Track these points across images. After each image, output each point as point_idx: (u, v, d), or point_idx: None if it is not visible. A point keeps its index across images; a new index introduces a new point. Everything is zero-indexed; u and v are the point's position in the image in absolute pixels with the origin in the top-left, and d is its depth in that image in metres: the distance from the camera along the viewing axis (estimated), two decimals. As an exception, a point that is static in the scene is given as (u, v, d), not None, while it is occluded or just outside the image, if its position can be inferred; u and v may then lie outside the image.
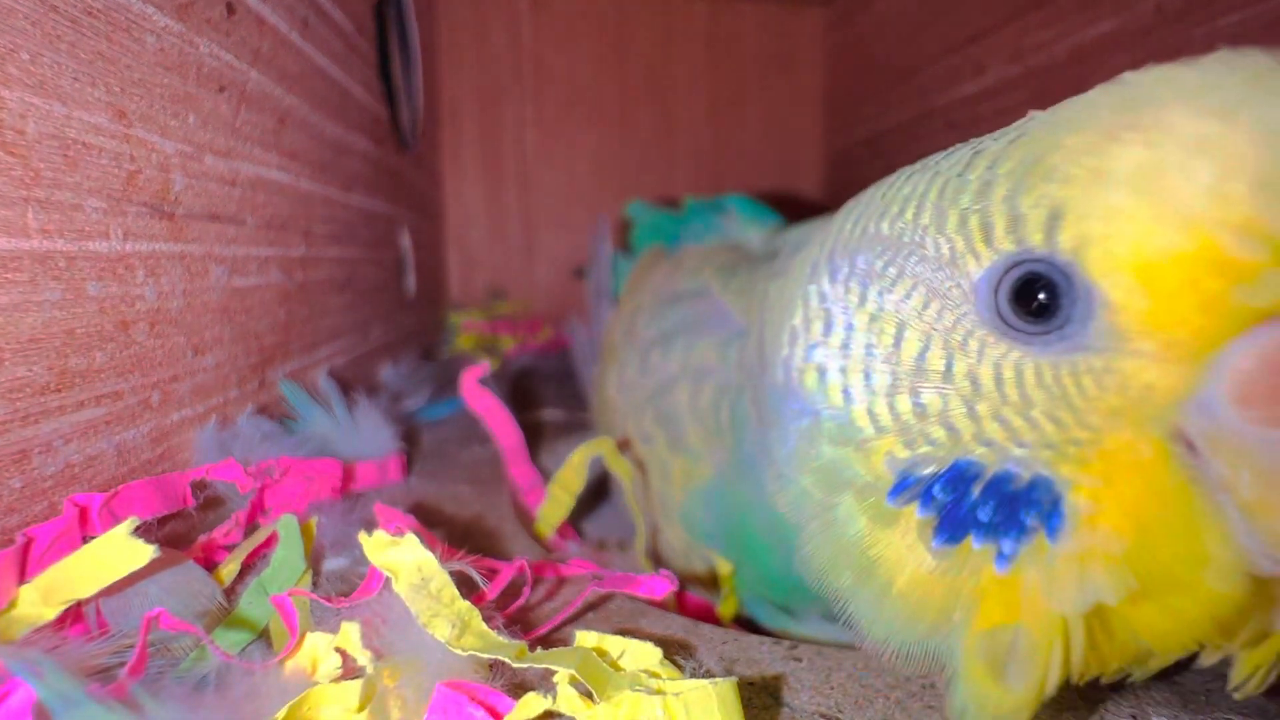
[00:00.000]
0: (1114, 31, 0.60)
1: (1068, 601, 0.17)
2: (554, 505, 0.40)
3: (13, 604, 0.23)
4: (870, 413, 0.20)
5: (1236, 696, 0.20)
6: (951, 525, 0.18)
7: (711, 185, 1.20)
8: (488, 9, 1.14)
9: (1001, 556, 0.17)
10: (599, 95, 1.18)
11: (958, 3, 0.82)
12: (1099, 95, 0.18)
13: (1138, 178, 0.15)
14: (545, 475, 0.44)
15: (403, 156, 0.85)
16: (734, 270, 0.42)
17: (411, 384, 0.68)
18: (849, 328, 0.21)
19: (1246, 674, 0.19)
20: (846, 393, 0.20)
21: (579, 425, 0.64)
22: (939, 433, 0.18)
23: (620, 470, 0.39)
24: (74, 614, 0.25)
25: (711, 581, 0.43)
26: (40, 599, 0.23)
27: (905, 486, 0.19)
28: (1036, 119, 0.19)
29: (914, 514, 0.18)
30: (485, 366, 0.46)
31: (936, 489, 0.18)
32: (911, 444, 0.19)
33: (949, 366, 0.18)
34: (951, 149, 0.22)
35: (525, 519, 0.42)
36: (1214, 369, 0.15)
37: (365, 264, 0.68)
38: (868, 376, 0.20)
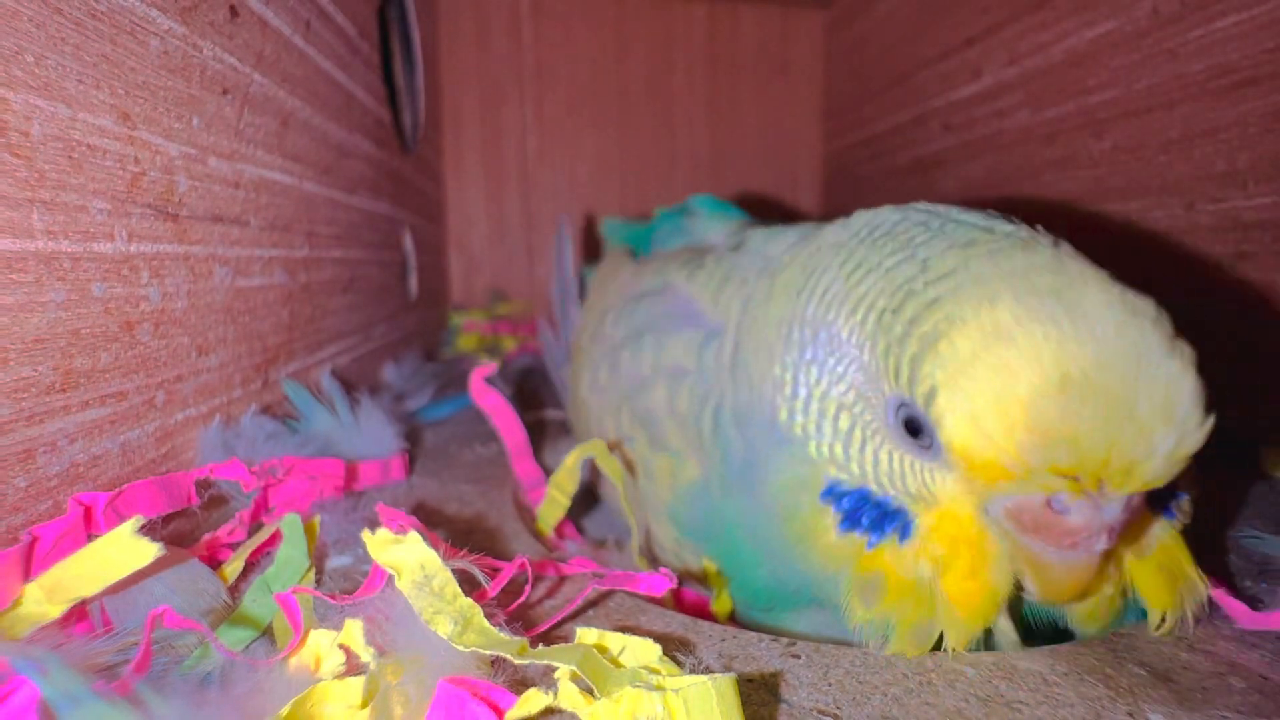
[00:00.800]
0: (1110, 33, 0.61)
1: (905, 571, 0.28)
2: (552, 506, 0.41)
3: (18, 602, 0.23)
4: (818, 449, 0.30)
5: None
6: (849, 521, 0.29)
7: (710, 186, 1.20)
8: (489, 12, 1.14)
9: (870, 543, 0.28)
10: (599, 98, 1.19)
11: (955, 6, 0.82)
12: (990, 300, 0.25)
13: (972, 403, 0.24)
14: (548, 473, 0.45)
15: (405, 159, 0.86)
16: (699, 264, 0.43)
17: (414, 384, 0.69)
18: (809, 398, 0.30)
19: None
20: (805, 433, 0.30)
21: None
22: (855, 470, 0.29)
23: (612, 472, 0.39)
24: (79, 612, 0.25)
25: (705, 578, 0.43)
26: (45, 597, 0.24)
27: (831, 493, 0.29)
28: (953, 284, 0.26)
29: (831, 509, 0.29)
30: (493, 366, 0.46)
31: (846, 500, 0.29)
32: (840, 470, 0.29)
33: (864, 444, 0.29)
34: (907, 240, 0.29)
35: (528, 515, 0.43)
36: (996, 499, 0.26)
37: (368, 265, 0.68)
38: (819, 429, 0.30)
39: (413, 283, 0.88)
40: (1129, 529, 0.27)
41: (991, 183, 0.77)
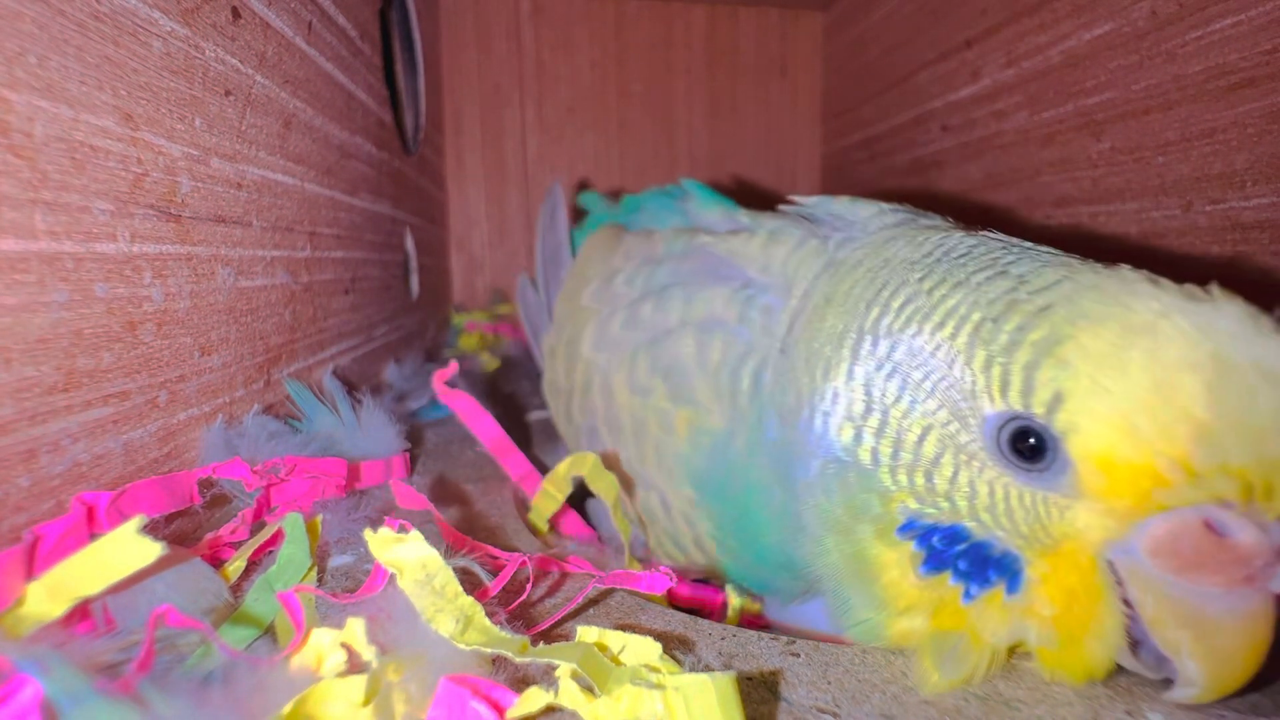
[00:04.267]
0: (1108, 35, 0.61)
1: (1000, 636, 0.25)
2: (545, 499, 0.41)
3: (20, 601, 0.23)
4: (893, 476, 0.26)
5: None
6: (937, 562, 0.25)
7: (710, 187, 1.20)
8: (489, 14, 1.15)
9: (968, 594, 0.25)
10: (599, 99, 1.19)
11: (953, 8, 0.83)
12: (1118, 299, 0.23)
13: (1119, 401, 0.21)
14: (542, 468, 0.45)
15: (406, 160, 0.86)
16: (732, 230, 0.42)
17: (415, 384, 0.69)
18: (884, 415, 0.26)
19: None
20: (875, 456, 0.26)
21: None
22: (945, 505, 0.25)
23: (603, 489, 0.37)
24: (81, 611, 0.25)
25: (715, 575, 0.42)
26: (48, 596, 0.24)
27: (911, 528, 0.26)
28: (1066, 291, 0.24)
29: (911, 546, 0.26)
30: (454, 367, 0.45)
31: (935, 538, 0.25)
32: (921, 503, 0.25)
33: (956, 473, 0.25)
34: (991, 260, 0.27)
35: (524, 509, 0.43)
36: (1138, 529, 0.22)
37: (370, 266, 0.69)
38: (895, 454, 0.26)
39: (414, 283, 0.88)
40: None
41: (990, 184, 0.77)
